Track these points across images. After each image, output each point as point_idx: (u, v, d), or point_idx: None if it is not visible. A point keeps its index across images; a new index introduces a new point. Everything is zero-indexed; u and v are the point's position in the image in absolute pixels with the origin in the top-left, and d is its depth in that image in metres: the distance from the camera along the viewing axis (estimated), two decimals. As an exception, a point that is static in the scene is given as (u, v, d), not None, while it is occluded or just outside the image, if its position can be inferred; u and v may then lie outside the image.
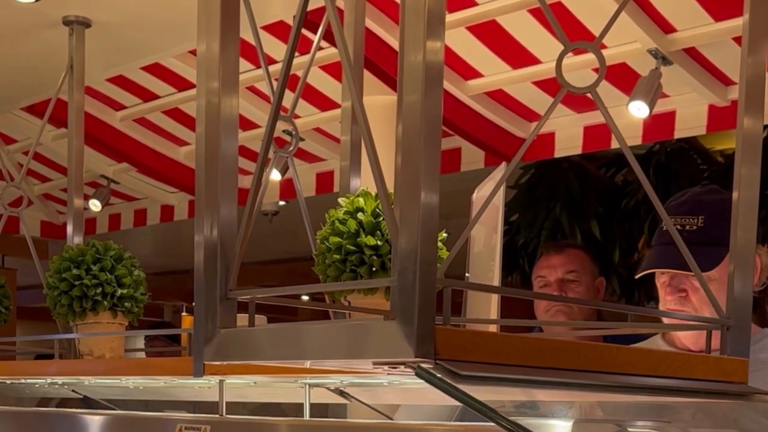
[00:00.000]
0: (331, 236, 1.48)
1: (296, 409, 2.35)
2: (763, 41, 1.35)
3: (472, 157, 4.15)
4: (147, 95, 4.42)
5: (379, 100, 3.21)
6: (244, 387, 2.36)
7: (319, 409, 2.38)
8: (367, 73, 3.26)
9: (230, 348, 1.28)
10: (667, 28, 3.21)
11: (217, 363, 1.32)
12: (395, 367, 1.15)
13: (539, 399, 2.10)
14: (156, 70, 4.08)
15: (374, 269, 1.46)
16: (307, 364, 1.35)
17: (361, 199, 1.49)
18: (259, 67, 1.76)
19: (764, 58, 1.35)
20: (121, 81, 4.23)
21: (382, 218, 1.46)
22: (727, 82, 3.41)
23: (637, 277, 2.37)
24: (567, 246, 3.48)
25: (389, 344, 1.06)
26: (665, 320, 2.25)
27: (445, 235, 1.46)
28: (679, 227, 2.22)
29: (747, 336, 1.35)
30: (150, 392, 2.94)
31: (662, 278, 2.30)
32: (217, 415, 2.15)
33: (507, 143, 3.94)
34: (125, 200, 5.62)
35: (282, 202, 6.28)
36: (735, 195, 1.35)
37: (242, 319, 1.30)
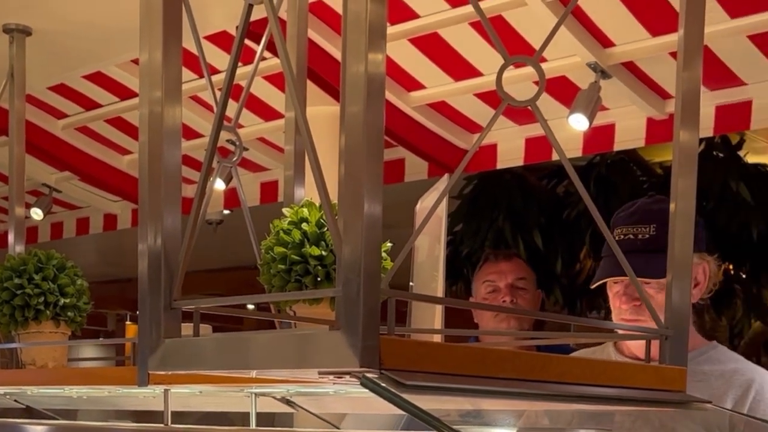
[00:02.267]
0: (275, 246, 1.48)
1: (244, 418, 2.34)
2: (698, 56, 1.38)
3: (416, 168, 4.17)
4: (89, 104, 4.38)
5: (323, 110, 3.22)
6: (189, 396, 2.35)
7: (266, 418, 2.38)
8: (311, 84, 3.26)
9: (175, 358, 1.27)
10: (605, 42, 3.26)
11: (162, 373, 1.31)
12: (341, 377, 1.15)
13: (484, 408, 2.11)
14: (98, 78, 4.05)
15: (319, 279, 1.46)
16: (253, 373, 1.35)
17: (305, 210, 1.49)
18: (202, 76, 1.75)
19: (699, 73, 1.38)
20: (62, 89, 4.19)
21: (326, 228, 1.46)
22: (664, 95, 3.47)
23: (593, 286, 2.38)
24: (513, 255, 3.50)
25: (334, 354, 1.06)
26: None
27: (389, 245, 1.47)
28: (631, 236, 2.24)
29: (685, 345, 1.38)
30: (94, 402, 2.91)
31: (615, 287, 2.31)
32: (162, 425, 2.14)
33: (450, 154, 3.97)
34: (67, 209, 5.56)
35: (226, 211, 6.26)
36: (672, 206, 1.37)
37: (187, 328, 1.30)
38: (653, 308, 1.36)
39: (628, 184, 5.76)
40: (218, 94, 1.31)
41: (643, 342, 2.24)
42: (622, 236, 2.26)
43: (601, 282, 2.32)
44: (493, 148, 3.95)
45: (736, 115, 3.39)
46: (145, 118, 1.30)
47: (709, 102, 3.37)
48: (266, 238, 1.53)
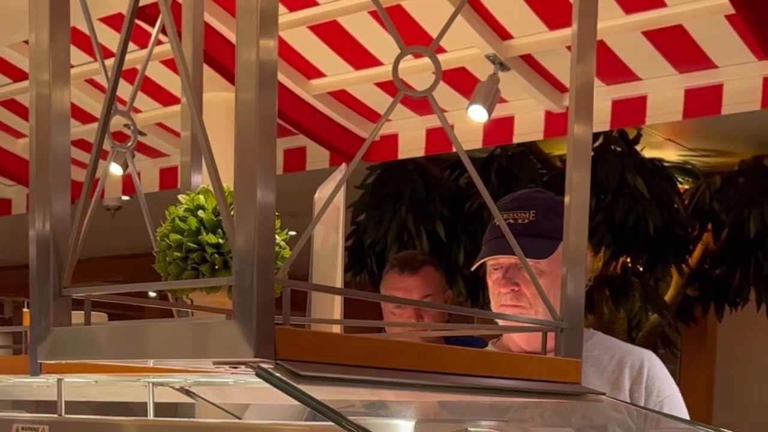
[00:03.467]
0: (171, 233, 1.46)
1: (145, 408, 2.30)
2: (591, 50, 1.40)
3: (318, 156, 4.16)
4: (-19, 86, 4.27)
5: (221, 96, 3.18)
6: (85, 386, 2.29)
7: (169, 408, 2.33)
8: (210, 70, 3.23)
9: (65, 346, 1.24)
10: (504, 34, 3.29)
11: (53, 362, 1.28)
12: (236, 367, 1.14)
13: (388, 399, 2.11)
14: (-10, 59, 3.95)
15: (216, 267, 1.44)
16: (150, 363, 1.32)
17: (201, 197, 1.47)
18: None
19: (593, 67, 1.39)
20: (-47, 70, 4.08)
21: (222, 216, 1.44)
22: (562, 89, 3.52)
23: (473, 269, 2.42)
24: (422, 265, 3.28)
25: (229, 344, 1.05)
26: (501, 322, 2.30)
27: (289, 234, 1.45)
28: (511, 221, 2.30)
29: (580, 337, 1.39)
30: (-13, 392, 2.83)
31: (495, 274, 2.35)
32: (56, 415, 2.09)
33: (351, 143, 3.97)
34: (-41, 193, 5.42)
35: (126, 197, 6.16)
36: (567, 199, 1.38)
37: (80, 316, 1.26)
38: (548, 300, 1.37)
39: (529, 176, 5.82)
40: (113, 77, 1.28)
41: (528, 334, 2.29)
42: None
43: (480, 262, 2.36)
44: (394, 138, 3.96)
45: (632, 110, 3.46)
46: (34, 101, 1.27)
47: (606, 96, 3.44)
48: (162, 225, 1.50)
